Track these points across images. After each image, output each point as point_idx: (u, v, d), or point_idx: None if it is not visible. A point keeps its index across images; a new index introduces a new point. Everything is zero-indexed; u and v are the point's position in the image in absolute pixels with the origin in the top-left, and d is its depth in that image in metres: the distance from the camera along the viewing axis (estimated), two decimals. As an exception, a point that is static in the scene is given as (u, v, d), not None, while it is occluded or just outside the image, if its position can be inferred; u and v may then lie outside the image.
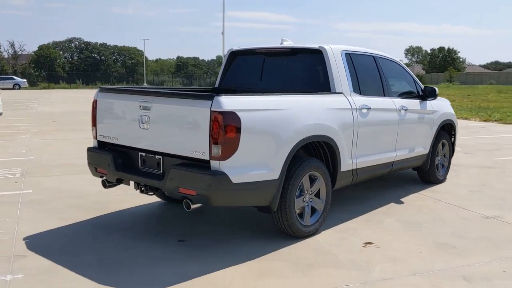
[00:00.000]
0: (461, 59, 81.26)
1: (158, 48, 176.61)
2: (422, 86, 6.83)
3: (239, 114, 4.11)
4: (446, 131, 7.42)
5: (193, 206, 4.27)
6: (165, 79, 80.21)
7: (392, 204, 6.17)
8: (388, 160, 6.05)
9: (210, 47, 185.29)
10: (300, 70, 5.76)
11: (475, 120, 17.56)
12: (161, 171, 4.56)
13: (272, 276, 4.01)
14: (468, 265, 4.28)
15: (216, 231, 5.13)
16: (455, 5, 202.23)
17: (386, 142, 5.97)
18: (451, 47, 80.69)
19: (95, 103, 5.14)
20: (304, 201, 4.82)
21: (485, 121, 17.31)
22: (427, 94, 6.70)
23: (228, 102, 4.10)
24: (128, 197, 6.25)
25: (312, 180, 4.87)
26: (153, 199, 6.15)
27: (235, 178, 4.14)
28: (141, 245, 4.66)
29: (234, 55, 6.27)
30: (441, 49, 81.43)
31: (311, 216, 4.92)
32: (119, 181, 4.95)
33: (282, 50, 5.83)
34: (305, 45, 5.66)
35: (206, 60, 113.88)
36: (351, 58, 5.59)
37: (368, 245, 4.73)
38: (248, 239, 4.84)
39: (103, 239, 4.82)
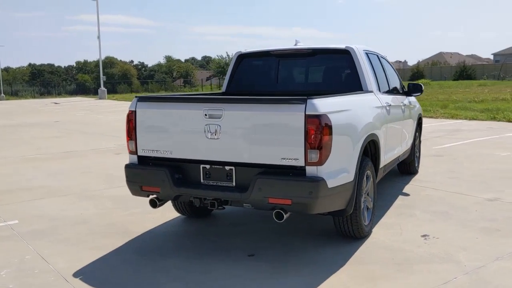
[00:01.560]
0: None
1: (5, 56, 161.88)
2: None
3: (330, 116, 3.98)
4: (418, 124, 7.92)
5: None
6: (18, 89, 73.67)
7: (403, 197, 6.43)
8: (398, 155, 6.31)
9: (65, 53, 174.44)
10: (327, 70, 5.75)
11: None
12: (234, 183, 4.24)
13: (380, 279, 3.96)
14: (528, 244, 4.63)
15: (273, 240, 4.90)
16: (305, 9, 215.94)
17: (398, 138, 6.22)
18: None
19: (133, 114, 4.59)
20: (363, 201, 4.82)
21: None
22: (411, 90, 7.07)
23: (322, 105, 3.95)
24: (137, 216, 5.72)
25: (367, 179, 4.90)
26: (169, 216, 5.70)
27: (330, 183, 4.01)
28: (209, 266, 4.28)
29: (242, 58, 6.04)
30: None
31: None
32: (176, 198, 4.50)
33: (301, 51, 5.75)
34: (329, 46, 5.65)
35: (63, 67, 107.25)
36: (369, 57, 5.72)
37: (427, 237, 4.88)
38: (313, 246, 4.71)
39: (159, 265, 4.33)
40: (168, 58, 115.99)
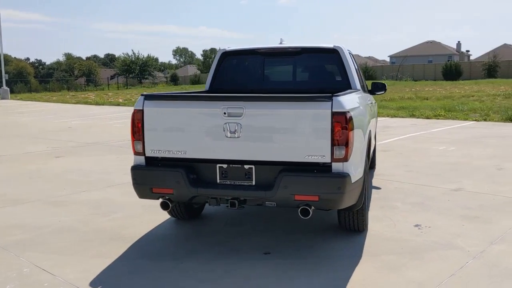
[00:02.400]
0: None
1: None
2: None
3: (352, 113, 4.09)
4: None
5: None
6: None
7: (375, 190, 6.73)
8: (372, 150, 6.60)
9: None
10: (315, 69, 5.85)
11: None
12: (253, 181, 4.21)
13: (402, 267, 4.14)
14: (509, 229, 5.07)
15: (280, 238, 4.92)
16: (209, 9, 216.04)
17: (374, 133, 6.50)
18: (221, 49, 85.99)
19: (140, 113, 4.38)
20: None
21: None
22: (374, 88, 7.39)
23: (346, 102, 4.05)
24: (123, 221, 5.48)
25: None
26: (154, 219, 5.52)
27: (353, 178, 4.12)
28: (230, 266, 4.22)
29: (226, 55, 5.98)
30: (212, 50, 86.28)
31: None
32: (191, 199, 4.37)
33: (288, 50, 5.81)
34: (317, 45, 5.76)
35: None
36: (351, 57, 5.93)
37: (419, 227, 5.18)
38: (322, 241, 4.82)
39: (178, 269, 4.20)
40: (68, 56, 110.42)
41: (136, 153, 4.45)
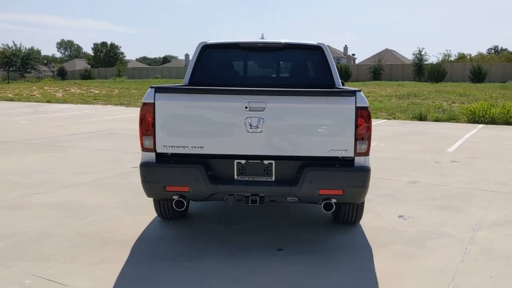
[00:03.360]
0: (123, 55, 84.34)
1: None
2: None
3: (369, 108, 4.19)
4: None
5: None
6: None
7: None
8: None
9: None
10: (298, 66, 5.85)
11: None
12: (273, 177, 4.14)
13: (414, 256, 4.33)
14: (481, 216, 5.51)
15: (286, 234, 4.87)
16: (94, 2, 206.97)
17: None
18: (113, 43, 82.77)
19: (150, 107, 4.09)
20: None
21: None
22: None
23: (366, 98, 4.13)
24: (106, 223, 5.11)
25: None
26: (139, 220, 5.21)
27: (370, 172, 4.22)
28: (251, 264, 4.12)
29: (206, 49, 5.77)
30: (103, 44, 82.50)
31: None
32: (209, 197, 4.17)
33: (272, 45, 5.75)
34: (301, 42, 5.76)
35: None
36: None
37: (404, 217, 5.44)
38: (325, 236, 4.87)
39: (195, 268, 4.01)
40: None
41: (145, 149, 4.16)
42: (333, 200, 4.13)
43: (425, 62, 60.42)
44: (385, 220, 5.33)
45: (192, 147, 4.12)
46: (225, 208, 5.68)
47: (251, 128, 4.03)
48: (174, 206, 4.19)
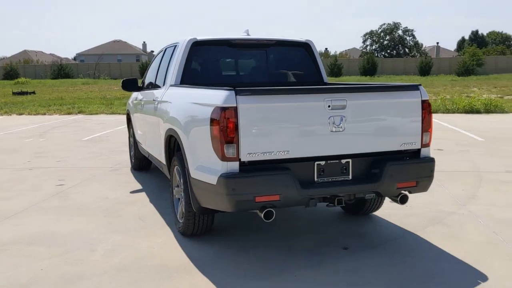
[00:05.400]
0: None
1: None
2: None
3: None
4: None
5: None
6: None
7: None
8: None
9: None
10: (288, 62, 5.71)
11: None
12: (350, 175, 4.06)
13: (449, 238, 4.67)
14: (455, 191, 6.22)
15: (331, 232, 4.79)
16: None
17: None
18: None
19: (232, 111, 3.61)
20: None
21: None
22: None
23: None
24: (121, 254, 4.38)
25: None
26: (159, 241, 4.59)
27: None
28: (334, 266, 4.01)
29: (196, 45, 5.25)
30: None
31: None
32: (296, 204, 3.87)
33: (262, 42, 5.52)
34: (290, 38, 5.66)
35: None
36: None
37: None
38: (366, 229, 4.95)
39: (296, 278, 3.74)
40: None
41: (227, 159, 3.67)
42: (406, 192, 4.24)
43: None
44: (390, 206, 5.49)
45: (278, 152, 3.78)
46: (236, 216, 5.29)
47: (334, 127, 3.89)
48: (263, 218, 3.77)
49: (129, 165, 8.19)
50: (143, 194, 6.34)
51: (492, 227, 4.88)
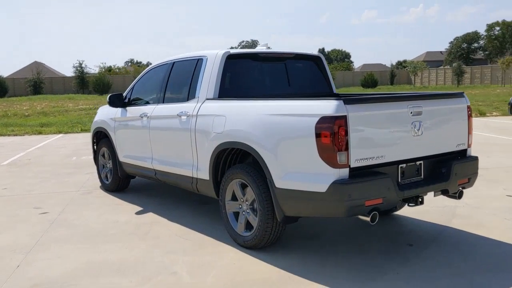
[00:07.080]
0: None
1: None
2: None
3: None
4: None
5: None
6: None
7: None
8: None
9: None
10: (305, 75, 5.92)
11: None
12: (422, 176, 4.43)
13: (479, 227, 5.30)
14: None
15: (379, 233, 5.05)
16: None
17: None
18: None
19: (343, 120, 3.75)
20: None
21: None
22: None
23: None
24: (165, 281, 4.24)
25: None
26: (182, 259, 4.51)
27: None
28: (408, 268, 4.33)
29: (230, 59, 5.23)
30: None
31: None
32: (393, 205, 4.12)
33: (284, 55, 5.71)
34: (304, 52, 5.89)
35: None
36: None
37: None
38: (407, 230, 5.31)
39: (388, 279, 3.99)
40: None
41: (339, 166, 3.79)
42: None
43: (87, 75, 60.82)
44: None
45: (377, 157, 4.01)
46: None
47: (415, 132, 4.24)
48: (370, 221, 3.94)
49: (95, 186, 7.62)
50: (152, 214, 6.00)
51: (499, 215, 5.60)
